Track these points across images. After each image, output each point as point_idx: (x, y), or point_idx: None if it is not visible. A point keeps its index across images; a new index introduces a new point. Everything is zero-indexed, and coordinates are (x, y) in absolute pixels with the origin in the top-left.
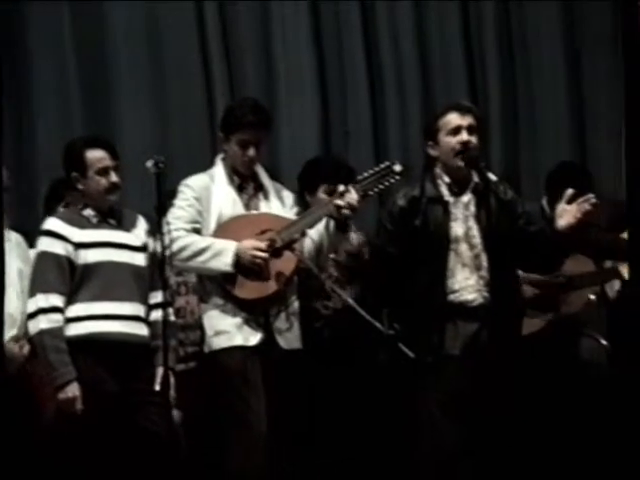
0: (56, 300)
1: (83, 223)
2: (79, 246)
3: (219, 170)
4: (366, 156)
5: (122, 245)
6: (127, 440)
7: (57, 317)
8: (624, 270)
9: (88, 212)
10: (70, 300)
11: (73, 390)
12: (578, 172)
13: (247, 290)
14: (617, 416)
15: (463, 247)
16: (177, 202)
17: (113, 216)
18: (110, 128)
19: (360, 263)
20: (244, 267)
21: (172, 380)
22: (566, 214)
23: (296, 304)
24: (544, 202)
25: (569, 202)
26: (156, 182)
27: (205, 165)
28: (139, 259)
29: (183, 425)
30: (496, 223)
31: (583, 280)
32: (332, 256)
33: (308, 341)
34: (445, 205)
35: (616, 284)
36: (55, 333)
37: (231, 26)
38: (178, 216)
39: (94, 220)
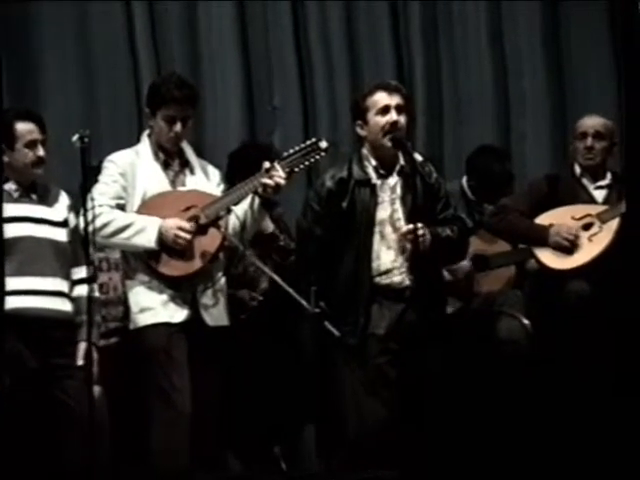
0: None
1: (3, 197)
2: None
3: (145, 146)
4: (295, 133)
5: (42, 220)
6: (45, 415)
7: None
8: (538, 252)
9: (9, 186)
10: None
11: None
12: (497, 155)
13: (171, 267)
14: (536, 393)
15: (388, 230)
16: (101, 178)
17: (35, 191)
18: (35, 103)
19: (272, 247)
20: (167, 245)
21: (95, 355)
22: None
23: (223, 280)
24: (464, 182)
25: None
26: (81, 157)
27: (132, 141)
28: (60, 234)
29: (105, 401)
30: (421, 205)
31: (499, 260)
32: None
33: (235, 332)
34: (372, 188)
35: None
36: None
37: (157, 3)
38: (102, 192)
39: (15, 194)
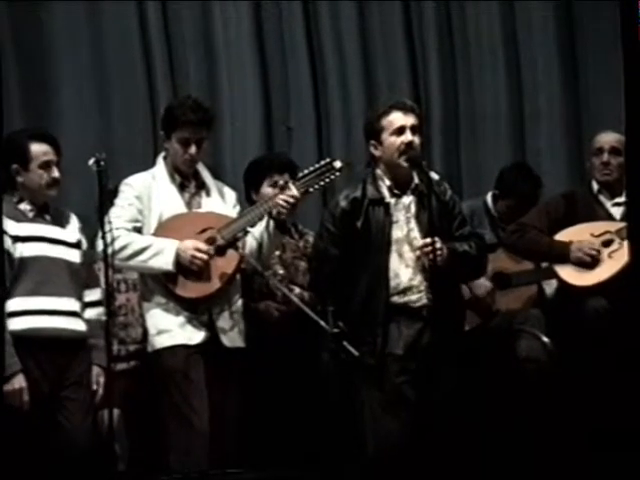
0: None
1: (19, 216)
2: (16, 239)
3: (160, 169)
4: (309, 153)
5: (57, 240)
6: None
7: None
8: (559, 269)
9: (24, 206)
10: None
11: (20, 381)
12: (530, 174)
13: (189, 289)
14: (557, 411)
15: (405, 248)
16: (118, 201)
17: (48, 211)
18: (50, 126)
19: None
20: (184, 266)
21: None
22: None
23: (239, 302)
24: (488, 198)
25: None
26: (98, 180)
27: (148, 164)
28: (73, 255)
29: (124, 424)
30: (437, 224)
31: (521, 278)
32: (278, 253)
33: (257, 342)
34: (386, 207)
35: (553, 283)
36: None
37: (173, 24)
38: (118, 215)
39: (30, 214)
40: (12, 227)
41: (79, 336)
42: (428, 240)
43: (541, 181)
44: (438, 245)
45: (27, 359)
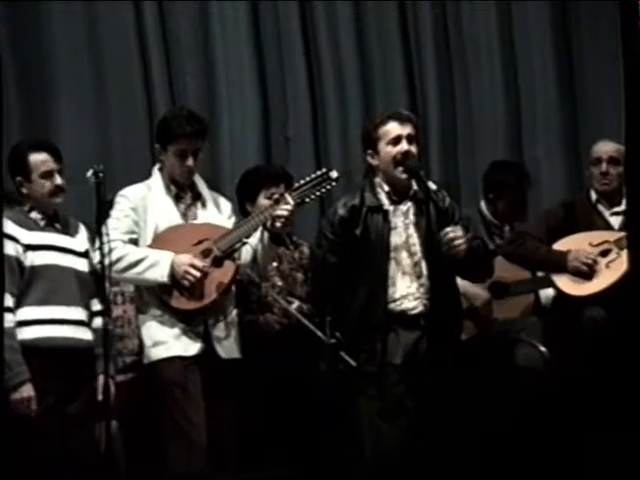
0: (8, 301)
1: (30, 225)
2: (27, 248)
3: (156, 180)
4: (307, 163)
5: (67, 249)
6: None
7: (9, 317)
8: (556, 279)
9: (35, 215)
10: (17, 303)
11: (28, 390)
12: (507, 164)
13: (184, 301)
14: (555, 420)
15: (403, 255)
16: (113, 213)
17: (58, 220)
18: (48, 137)
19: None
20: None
21: (113, 389)
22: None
23: (234, 313)
24: (482, 205)
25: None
26: (96, 192)
27: (146, 174)
28: (82, 264)
29: (121, 436)
30: (435, 231)
31: (518, 287)
32: (275, 264)
33: (254, 353)
34: (385, 214)
35: (550, 291)
36: (8, 333)
37: (170, 33)
38: (114, 227)
39: (41, 223)
40: (24, 235)
41: (87, 345)
42: (450, 229)
43: (525, 169)
44: (460, 234)
45: (36, 368)
